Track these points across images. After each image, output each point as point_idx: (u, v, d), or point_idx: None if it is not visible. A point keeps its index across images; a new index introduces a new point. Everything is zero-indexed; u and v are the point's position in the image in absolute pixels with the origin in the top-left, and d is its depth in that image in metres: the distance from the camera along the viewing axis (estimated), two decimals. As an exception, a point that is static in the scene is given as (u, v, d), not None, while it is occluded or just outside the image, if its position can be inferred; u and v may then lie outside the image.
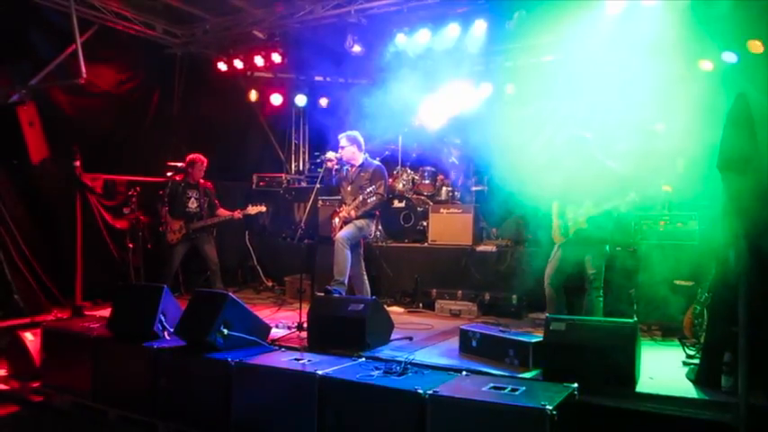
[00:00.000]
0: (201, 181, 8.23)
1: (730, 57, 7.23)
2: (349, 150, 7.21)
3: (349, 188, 7.24)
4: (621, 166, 5.85)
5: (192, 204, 8.07)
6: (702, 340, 4.74)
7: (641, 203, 5.69)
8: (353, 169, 7.26)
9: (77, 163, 7.88)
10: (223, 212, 8.17)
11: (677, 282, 5.74)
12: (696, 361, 4.63)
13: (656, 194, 6.73)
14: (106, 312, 6.27)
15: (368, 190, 6.87)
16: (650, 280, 5.96)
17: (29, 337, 6.24)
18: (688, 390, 4.21)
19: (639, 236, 6.44)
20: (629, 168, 5.89)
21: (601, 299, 5.75)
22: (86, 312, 7.35)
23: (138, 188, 7.98)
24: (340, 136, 7.30)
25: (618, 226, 6.80)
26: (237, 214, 8.03)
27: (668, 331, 5.87)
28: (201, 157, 8.18)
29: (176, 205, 8.04)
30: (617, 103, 7.79)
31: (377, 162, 7.43)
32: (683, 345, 5.08)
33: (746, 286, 3.69)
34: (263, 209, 8.12)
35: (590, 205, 5.67)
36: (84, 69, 7.52)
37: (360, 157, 7.27)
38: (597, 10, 7.63)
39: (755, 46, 6.97)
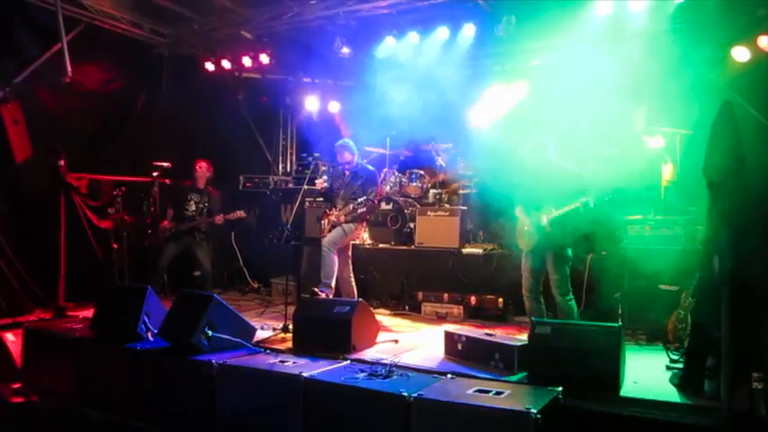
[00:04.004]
0: (210, 188, 8.33)
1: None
2: (355, 160, 7.28)
3: (341, 192, 7.23)
4: (580, 167, 5.85)
5: (191, 208, 8.14)
6: (686, 345, 4.77)
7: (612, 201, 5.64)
8: (348, 174, 7.26)
9: (62, 162, 7.81)
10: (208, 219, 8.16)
11: (662, 286, 5.77)
12: (680, 365, 4.65)
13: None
14: (89, 313, 6.22)
15: (359, 200, 6.88)
16: (635, 284, 5.99)
17: (10, 337, 6.18)
18: (672, 394, 4.23)
19: (625, 240, 6.47)
20: (589, 170, 5.89)
21: (572, 301, 5.71)
22: (69, 313, 7.28)
23: (123, 188, 7.92)
24: (340, 150, 7.27)
25: (603, 231, 6.85)
26: (219, 219, 7.99)
27: (653, 336, 5.89)
28: (202, 163, 8.32)
29: (177, 208, 8.14)
30: (603, 107, 7.84)
31: (371, 168, 7.43)
32: (668, 349, 5.11)
33: (729, 292, 3.72)
34: (243, 215, 8.10)
35: (552, 208, 5.64)
36: (69, 68, 7.45)
37: (354, 161, 7.29)
38: (585, 14, 7.68)
39: (740, 53, 7.04)
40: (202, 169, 8.31)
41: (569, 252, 5.77)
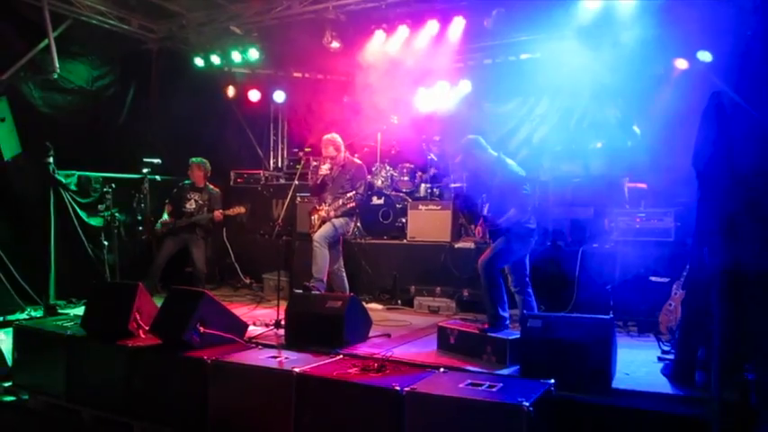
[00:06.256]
0: (212, 185, 8.31)
1: (705, 56, 7.30)
2: (339, 156, 7.27)
3: (329, 186, 7.22)
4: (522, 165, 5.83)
5: (191, 205, 8.18)
6: (677, 336, 4.79)
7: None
8: (335, 168, 7.24)
9: (50, 159, 7.74)
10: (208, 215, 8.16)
11: (653, 278, 5.79)
12: (671, 357, 4.67)
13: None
14: (80, 311, 6.19)
15: (349, 195, 6.87)
16: (626, 276, 6.01)
17: (0, 336, 6.13)
18: (663, 385, 4.25)
19: (615, 233, 6.50)
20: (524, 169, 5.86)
21: (494, 277, 5.49)
22: (60, 311, 7.24)
23: (113, 185, 7.87)
24: (325, 144, 7.27)
25: (593, 223, 6.87)
26: (218, 215, 7.96)
27: (644, 327, 5.92)
28: (198, 161, 8.30)
29: (177, 205, 8.19)
30: (591, 99, 7.86)
31: (358, 161, 7.42)
32: (659, 340, 5.13)
33: (719, 283, 3.73)
34: (243, 210, 8.08)
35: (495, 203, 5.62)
36: (56, 64, 7.39)
37: (341, 156, 7.27)
38: (575, 7, 7.67)
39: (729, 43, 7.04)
40: (196, 168, 8.31)
41: (503, 245, 5.59)
